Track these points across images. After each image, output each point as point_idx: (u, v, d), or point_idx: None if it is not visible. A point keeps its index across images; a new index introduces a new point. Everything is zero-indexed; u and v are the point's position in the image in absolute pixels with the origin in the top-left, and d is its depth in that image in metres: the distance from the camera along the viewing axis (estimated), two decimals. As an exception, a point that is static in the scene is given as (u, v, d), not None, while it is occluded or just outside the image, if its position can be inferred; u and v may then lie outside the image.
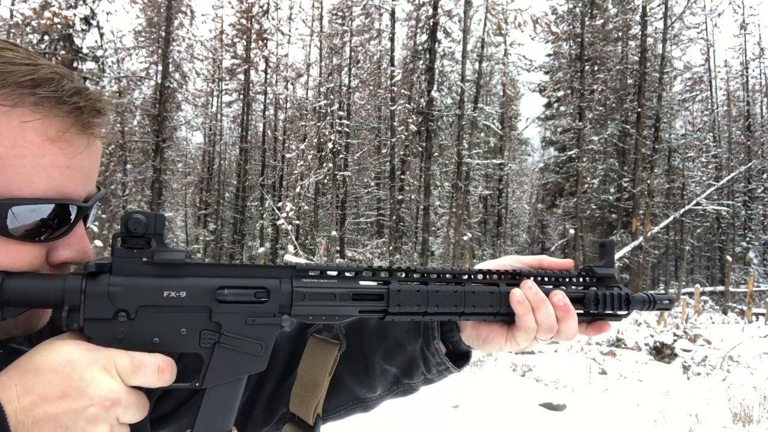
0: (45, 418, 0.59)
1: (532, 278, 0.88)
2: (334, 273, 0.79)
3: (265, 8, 30.88)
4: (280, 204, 24.36)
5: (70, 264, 0.74)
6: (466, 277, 0.86)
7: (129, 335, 0.69)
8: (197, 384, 0.73)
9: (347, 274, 0.80)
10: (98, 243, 13.13)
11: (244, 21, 30.74)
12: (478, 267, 0.89)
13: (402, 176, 26.06)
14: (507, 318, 0.87)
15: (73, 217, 0.71)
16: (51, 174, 0.67)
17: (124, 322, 0.69)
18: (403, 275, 0.82)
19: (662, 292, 1.02)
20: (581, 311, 0.90)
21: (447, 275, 0.85)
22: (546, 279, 0.90)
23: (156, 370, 0.67)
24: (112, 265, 0.69)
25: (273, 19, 32.02)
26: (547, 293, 0.87)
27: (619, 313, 0.91)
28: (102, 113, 0.73)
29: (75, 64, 19.95)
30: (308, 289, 0.76)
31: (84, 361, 0.63)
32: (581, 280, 0.92)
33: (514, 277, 0.88)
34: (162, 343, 0.70)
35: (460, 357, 0.98)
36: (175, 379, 0.71)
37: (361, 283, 0.80)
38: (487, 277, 0.87)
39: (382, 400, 1.01)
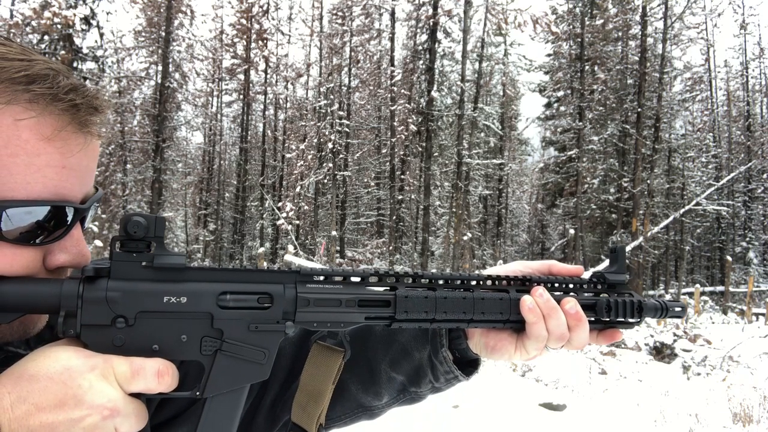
0: (40, 427, 0.57)
1: (542, 285, 0.86)
2: (340, 278, 0.77)
3: (265, 8, 30.87)
4: (280, 204, 24.35)
5: (67, 268, 0.71)
6: (474, 283, 0.84)
7: (127, 342, 0.67)
8: (198, 393, 0.71)
9: (353, 279, 0.77)
10: (98, 243, 13.12)
11: (244, 21, 30.74)
12: (486, 273, 0.87)
13: (402, 176, 26.07)
14: (517, 326, 0.84)
15: (69, 219, 0.69)
16: (46, 174, 0.65)
17: (122, 328, 0.66)
18: (411, 281, 0.80)
19: (674, 299, 1.00)
20: (592, 319, 0.87)
21: (455, 281, 0.82)
22: (556, 285, 0.87)
23: (155, 374, 0.65)
24: (110, 270, 0.67)
25: (273, 19, 32.02)
26: (558, 300, 0.84)
27: (631, 320, 0.89)
28: (99, 111, 0.70)
29: (75, 64, 19.94)
30: (313, 294, 0.74)
31: (81, 368, 0.61)
32: (592, 286, 0.90)
33: (524, 284, 0.86)
34: (162, 351, 0.68)
35: (468, 364, 0.96)
36: (176, 386, 0.69)
37: (368, 288, 0.78)
38: (497, 283, 0.85)
39: (388, 408, 0.99)
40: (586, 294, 0.89)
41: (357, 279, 0.78)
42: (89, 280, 0.66)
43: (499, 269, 0.92)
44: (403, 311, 0.77)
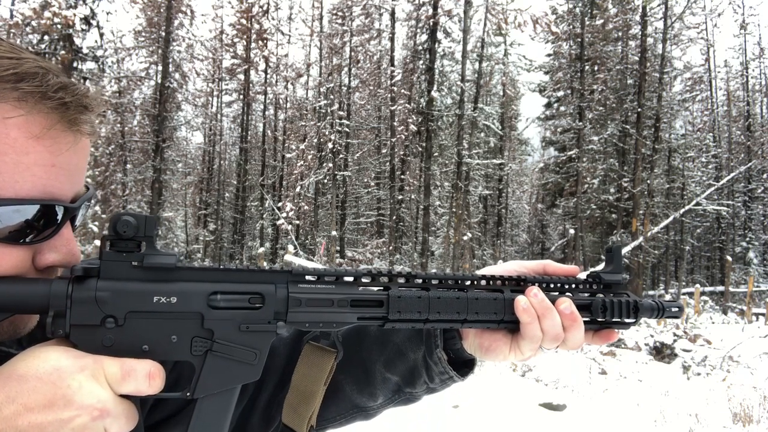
0: (29, 428, 0.57)
1: (537, 285, 0.85)
2: (332, 278, 0.76)
3: (265, 8, 30.87)
4: (280, 204, 24.36)
5: (57, 267, 0.71)
6: (469, 282, 0.83)
7: (117, 342, 0.66)
8: (188, 394, 0.70)
9: (345, 279, 0.77)
10: (98, 243, 13.11)
11: (244, 21, 30.73)
12: (481, 272, 0.87)
13: (402, 176, 26.08)
14: (511, 326, 0.84)
15: (59, 218, 0.68)
16: (35, 173, 0.64)
17: (112, 328, 0.66)
18: (404, 281, 0.80)
19: (671, 299, 0.99)
20: (588, 319, 0.87)
21: (449, 281, 0.82)
22: (552, 285, 0.87)
23: (147, 376, 0.64)
24: (100, 269, 0.67)
25: (273, 19, 32.02)
26: (552, 300, 0.83)
27: (627, 321, 0.88)
28: (89, 109, 0.69)
29: (75, 64, 19.94)
30: (305, 294, 0.73)
31: (71, 368, 0.60)
32: (588, 286, 0.89)
33: (519, 284, 0.85)
34: (151, 351, 0.67)
35: (463, 365, 0.95)
36: (168, 388, 0.69)
37: (360, 288, 0.77)
38: (491, 283, 0.84)
39: (383, 409, 0.99)
40: (581, 294, 0.88)
41: (349, 279, 0.77)
42: (78, 279, 0.66)
43: (494, 269, 0.91)
44: (396, 311, 0.76)
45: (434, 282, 0.81)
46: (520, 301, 0.82)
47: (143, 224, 0.66)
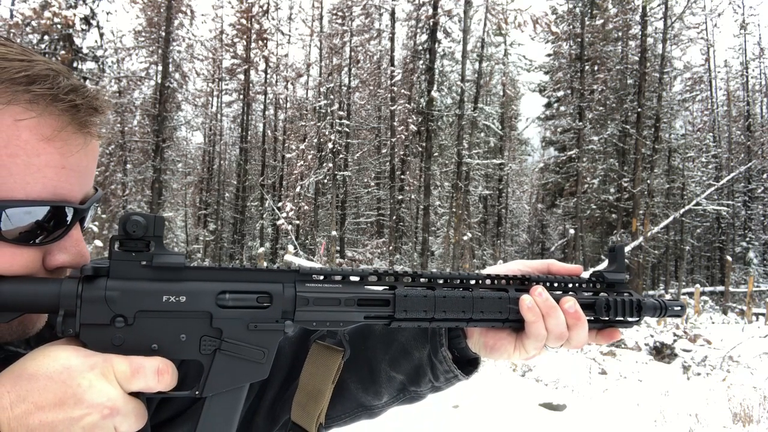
0: (40, 426, 0.57)
1: (541, 284, 0.85)
2: (339, 277, 0.77)
3: (265, 8, 30.87)
4: (280, 204, 24.37)
5: (66, 268, 0.71)
6: (474, 282, 0.83)
7: (127, 341, 0.67)
8: (197, 392, 0.71)
9: (352, 278, 0.77)
10: (98, 243, 13.12)
11: (244, 21, 30.73)
12: (486, 272, 0.87)
13: (402, 176, 26.08)
14: (516, 325, 0.84)
15: (69, 219, 0.69)
16: (46, 174, 0.65)
17: (121, 327, 0.66)
18: (410, 280, 0.80)
19: (673, 298, 1.00)
20: (591, 318, 0.87)
21: (455, 280, 0.82)
22: (556, 284, 0.87)
23: (155, 372, 0.65)
24: (109, 269, 0.67)
25: (273, 19, 32.03)
26: (557, 299, 0.84)
27: (630, 319, 0.88)
28: (99, 111, 0.70)
29: (75, 64, 19.95)
30: (312, 293, 0.74)
31: (80, 367, 0.61)
32: (591, 285, 0.90)
33: (523, 283, 0.86)
34: (161, 350, 0.68)
35: (467, 363, 0.96)
36: (176, 386, 0.69)
37: (367, 287, 0.78)
38: (496, 282, 0.85)
39: (388, 408, 0.99)
40: (585, 293, 0.89)
41: (356, 278, 0.78)
42: (88, 279, 0.66)
43: (499, 268, 0.91)
44: (402, 310, 0.77)
45: (440, 281, 0.82)
46: (525, 300, 0.82)
47: (152, 224, 0.67)
